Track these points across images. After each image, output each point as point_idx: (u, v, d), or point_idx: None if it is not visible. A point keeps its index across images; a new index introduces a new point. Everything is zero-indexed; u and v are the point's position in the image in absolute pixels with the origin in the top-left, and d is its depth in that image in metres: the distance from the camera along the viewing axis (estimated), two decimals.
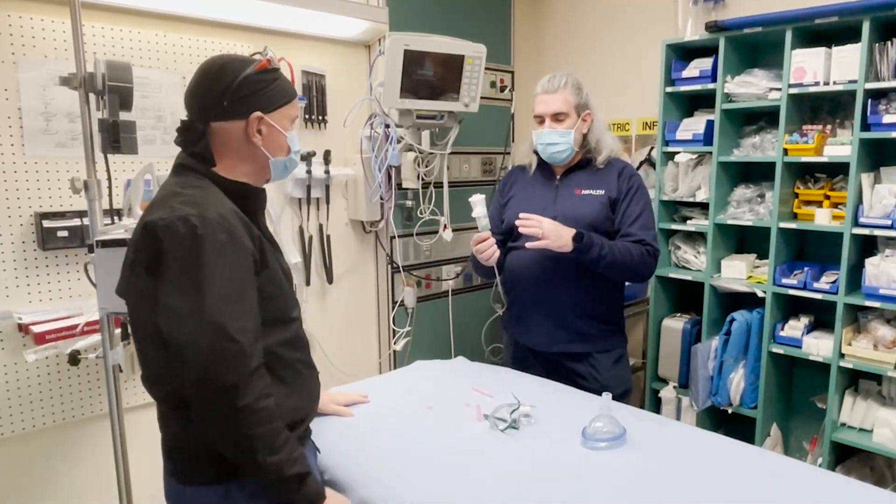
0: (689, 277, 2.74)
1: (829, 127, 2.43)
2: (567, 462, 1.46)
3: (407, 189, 2.76)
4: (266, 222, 1.37)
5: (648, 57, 2.92)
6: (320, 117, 2.61)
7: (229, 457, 1.14)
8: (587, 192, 2.05)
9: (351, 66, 2.72)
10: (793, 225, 2.43)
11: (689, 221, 2.80)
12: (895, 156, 2.33)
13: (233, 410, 1.08)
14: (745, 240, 2.80)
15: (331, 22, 2.45)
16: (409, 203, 2.79)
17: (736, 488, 1.34)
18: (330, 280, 2.72)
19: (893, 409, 2.29)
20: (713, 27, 2.52)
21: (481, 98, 2.69)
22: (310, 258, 2.64)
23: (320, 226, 2.68)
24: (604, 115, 2.20)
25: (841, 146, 2.28)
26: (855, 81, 2.21)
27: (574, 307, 2.04)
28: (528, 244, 1.91)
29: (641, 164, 2.99)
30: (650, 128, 3.07)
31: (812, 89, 2.32)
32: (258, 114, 1.23)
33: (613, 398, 1.61)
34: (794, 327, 2.49)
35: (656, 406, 2.86)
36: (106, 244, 1.57)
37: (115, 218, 1.86)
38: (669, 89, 2.72)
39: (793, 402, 2.74)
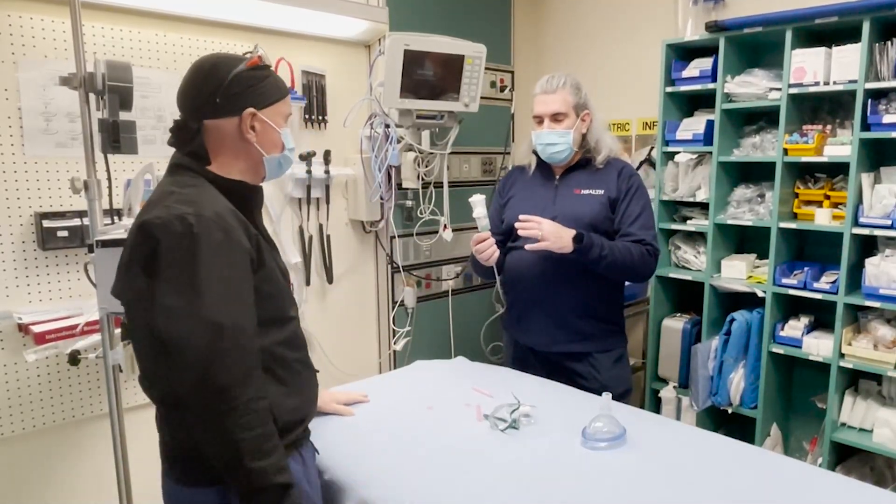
0: (689, 277, 2.74)
1: (829, 127, 2.43)
2: (567, 462, 1.46)
3: (407, 189, 2.76)
4: (263, 221, 1.37)
5: (648, 57, 2.92)
6: (320, 117, 2.61)
7: (214, 459, 1.11)
8: (587, 191, 2.06)
9: (351, 66, 2.72)
10: (793, 225, 2.43)
11: (689, 221, 2.80)
12: (895, 156, 2.33)
13: (225, 411, 1.07)
14: (745, 240, 2.80)
15: (331, 22, 2.45)
16: (409, 203, 2.79)
17: (736, 488, 1.34)
18: (330, 280, 2.72)
19: (893, 409, 2.29)
20: (713, 27, 2.52)
21: (481, 98, 2.69)
22: (310, 258, 2.64)
23: (320, 226, 2.68)
24: (604, 115, 2.20)
25: (841, 146, 2.28)
26: (855, 81, 2.21)
27: (574, 307, 2.04)
28: (528, 246, 1.91)
29: (641, 164, 2.99)
30: (650, 128, 3.07)
31: (812, 89, 2.32)
32: (251, 110, 1.23)
33: (613, 398, 1.61)
34: (794, 327, 2.49)
35: (656, 406, 2.86)
36: (106, 244, 1.57)
37: (115, 218, 1.86)
38: (669, 89, 2.72)
39: (793, 402, 2.74)
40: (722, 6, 2.77)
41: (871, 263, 2.24)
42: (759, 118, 2.63)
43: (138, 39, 2.12)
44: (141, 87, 1.71)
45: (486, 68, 2.73)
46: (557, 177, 2.12)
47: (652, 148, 2.95)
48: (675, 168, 2.77)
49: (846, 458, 2.44)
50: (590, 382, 2.05)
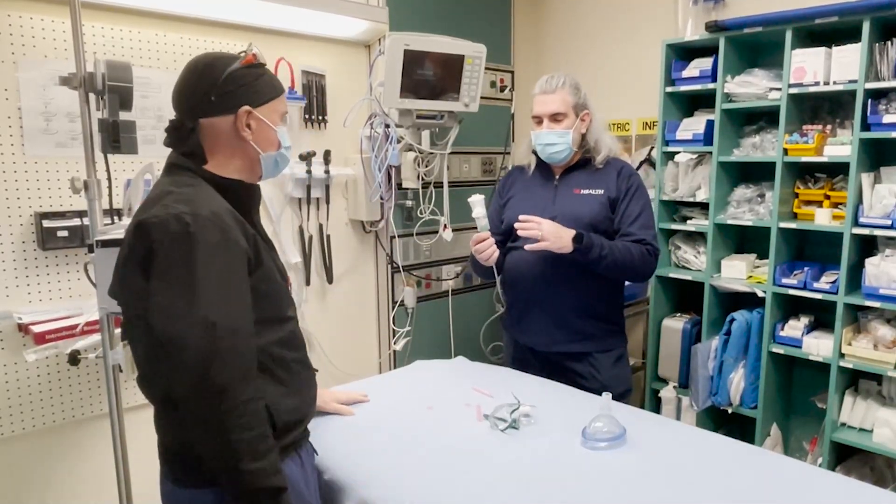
0: (689, 277, 2.74)
1: (829, 127, 2.43)
2: (567, 462, 1.46)
3: (407, 189, 2.76)
4: (262, 221, 1.36)
5: (648, 57, 2.92)
6: (320, 117, 2.61)
7: (209, 459, 1.10)
8: (586, 191, 2.06)
9: (351, 66, 2.72)
10: (793, 225, 2.43)
11: (689, 221, 2.80)
12: (895, 156, 2.33)
13: (222, 412, 1.06)
14: (745, 240, 2.80)
15: (331, 22, 2.45)
16: (409, 203, 2.79)
17: (736, 488, 1.34)
18: (330, 280, 2.72)
19: (893, 409, 2.29)
20: (713, 27, 2.52)
21: (481, 98, 2.69)
22: (310, 258, 2.64)
23: (320, 226, 2.68)
24: (604, 115, 2.20)
25: (841, 146, 2.28)
26: (855, 81, 2.21)
27: (574, 307, 2.04)
28: (528, 246, 1.91)
29: (641, 163, 2.99)
30: (650, 128, 3.07)
31: (812, 89, 2.32)
32: (246, 108, 1.23)
33: (613, 398, 1.61)
34: (794, 327, 2.49)
35: (656, 406, 2.86)
36: (106, 244, 1.57)
37: (115, 218, 1.86)
38: (669, 89, 2.72)
39: (793, 402, 2.74)
40: (722, 6, 2.77)
41: (871, 263, 2.24)
42: (759, 118, 2.63)
43: (138, 39, 2.12)
44: (141, 87, 1.71)
45: (486, 68, 2.73)
46: (557, 177, 2.12)
47: (652, 148, 2.95)
48: (675, 168, 2.77)
49: (846, 458, 2.44)
50: (590, 382, 2.05)
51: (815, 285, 2.38)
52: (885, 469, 2.41)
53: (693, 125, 2.69)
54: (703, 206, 2.75)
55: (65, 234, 1.95)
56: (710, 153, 2.61)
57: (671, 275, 2.80)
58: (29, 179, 1.95)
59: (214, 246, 1.11)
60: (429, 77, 2.47)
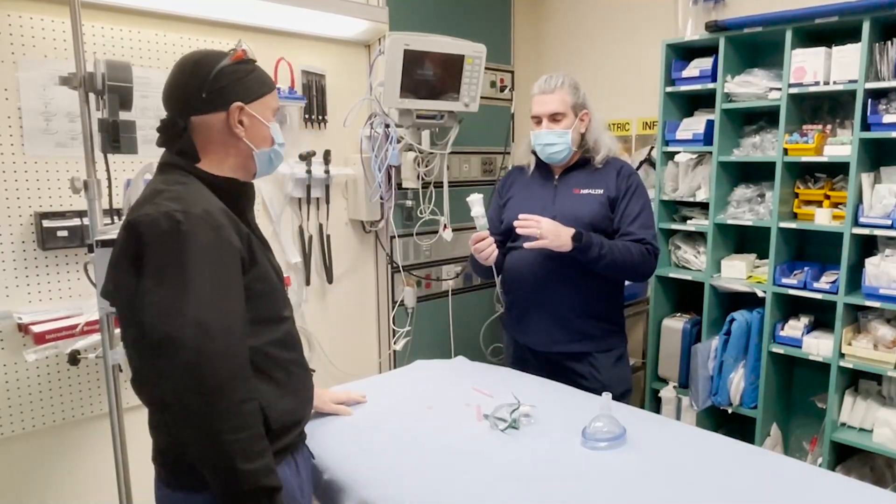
0: (689, 277, 2.74)
1: (829, 127, 2.43)
2: (567, 462, 1.46)
3: (407, 189, 2.76)
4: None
5: (648, 57, 2.92)
6: (320, 117, 2.61)
7: (202, 461, 1.08)
8: (586, 191, 2.05)
9: (351, 66, 2.72)
10: (793, 225, 2.43)
11: (689, 221, 2.80)
12: (895, 156, 2.33)
13: (214, 412, 1.04)
14: (745, 240, 2.80)
15: (331, 22, 2.45)
16: (409, 203, 2.79)
17: (736, 488, 1.34)
18: (330, 280, 2.72)
19: (893, 409, 2.29)
20: (713, 27, 2.52)
21: (481, 98, 2.69)
22: (310, 258, 2.64)
23: (320, 225, 2.68)
24: (604, 115, 2.20)
25: (841, 146, 2.28)
26: (855, 81, 2.21)
27: (574, 307, 2.04)
28: (527, 244, 1.91)
29: (641, 163, 2.99)
30: (650, 128, 3.07)
31: (812, 89, 2.32)
32: (238, 104, 1.22)
33: (613, 398, 1.61)
34: (794, 327, 2.49)
35: (656, 406, 2.86)
36: (106, 244, 1.57)
37: (115, 218, 1.86)
38: (669, 89, 2.72)
39: (793, 402, 2.74)
40: (722, 6, 2.77)
41: (871, 263, 2.24)
42: (759, 118, 2.63)
43: (138, 39, 2.12)
44: (141, 87, 1.71)
45: (486, 68, 2.73)
46: (556, 177, 2.12)
47: (652, 148, 2.95)
48: (675, 168, 2.77)
49: (846, 458, 2.44)
50: (590, 382, 2.05)
51: (815, 285, 2.38)
52: (884, 469, 2.41)
53: (693, 125, 2.69)
54: (703, 206, 2.75)
55: (65, 234, 1.95)
56: (710, 153, 2.61)
57: (671, 275, 2.80)
58: (29, 179, 1.94)
59: (206, 244, 1.09)
60: (429, 77, 2.47)
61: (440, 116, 2.64)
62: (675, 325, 2.80)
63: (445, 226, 2.83)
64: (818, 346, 2.38)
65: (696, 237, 2.82)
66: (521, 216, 1.92)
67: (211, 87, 1.20)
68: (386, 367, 2.91)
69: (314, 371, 1.43)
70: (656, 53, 2.76)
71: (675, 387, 2.79)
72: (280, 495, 1.12)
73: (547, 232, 1.87)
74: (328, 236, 2.69)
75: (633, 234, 1.99)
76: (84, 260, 1.92)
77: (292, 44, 2.50)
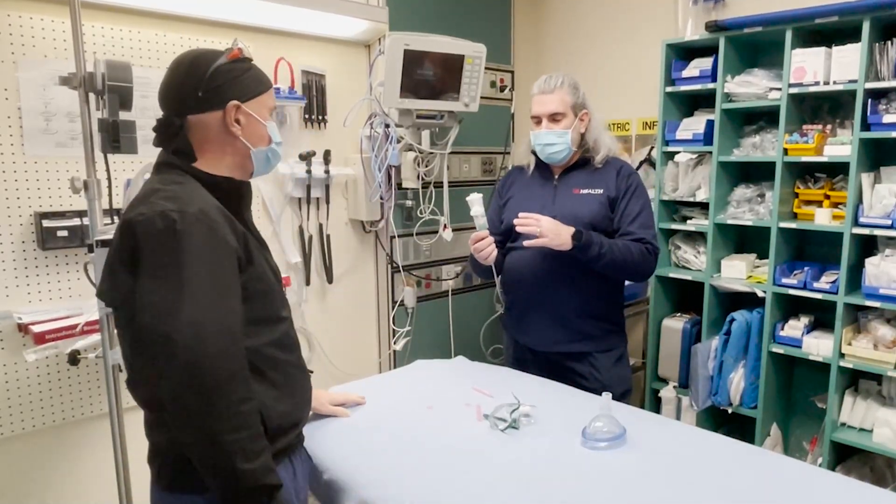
0: (689, 277, 2.73)
1: (829, 127, 2.43)
2: (567, 462, 1.46)
3: (407, 189, 2.76)
4: (252, 218, 1.33)
5: (648, 57, 2.92)
6: (320, 117, 2.61)
7: (200, 461, 1.07)
8: (586, 191, 2.05)
9: (351, 66, 2.72)
10: (793, 225, 2.43)
11: (689, 221, 2.80)
12: (895, 156, 2.33)
13: (211, 412, 1.03)
14: (745, 240, 2.80)
15: (331, 22, 2.45)
16: (409, 203, 2.79)
17: (736, 488, 1.34)
18: (330, 280, 2.72)
19: (893, 409, 2.29)
20: (713, 27, 2.52)
21: (481, 98, 2.69)
22: (310, 258, 2.64)
23: (320, 225, 2.68)
24: (604, 115, 2.20)
25: (841, 146, 2.28)
26: (855, 81, 2.21)
27: (574, 307, 2.04)
28: (527, 242, 1.91)
29: (641, 163, 2.99)
30: (650, 128, 3.07)
31: (812, 89, 2.32)
32: (235, 103, 1.21)
33: (613, 398, 1.61)
34: (794, 327, 2.49)
35: (656, 406, 2.86)
36: (106, 244, 1.57)
37: (115, 218, 1.85)
38: (669, 89, 2.72)
39: (793, 402, 2.74)
40: (722, 6, 2.77)
41: (871, 263, 2.24)
42: (759, 118, 2.63)
43: (138, 39, 2.12)
44: (141, 87, 1.71)
45: (486, 68, 2.73)
46: (556, 177, 2.12)
47: (652, 148, 2.95)
48: (675, 168, 2.77)
49: (846, 458, 2.44)
50: (590, 382, 2.05)
51: (815, 285, 2.38)
52: (885, 469, 2.41)
53: (693, 125, 2.69)
54: (703, 206, 2.75)
55: (65, 233, 1.95)
56: (710, 153, 2.61)
57: (671, 275, 2.80)
58: (29, 179, 1.95)
59: (202, 244, 1.08)
60: (429, 77, 2.47)
61: (440, 116, 2.64)
62: (675, 325, 2.80)
63: (445, 226, 2.83)
64: (818, 346, 2.38)
65: (696, 237, 2.82)
66: (521, 214, 1.92)
67: (207, 85, 1.19)
68: (386, 367, 2.91)
69: (312, 372, 1.42)
70: (656, 53, 2.76)
71: (675, 387, 2.79)
72: (281, 493, 1.11)
73: (546, 230, 1.87)
74: (328, 236, 2.69)
75: (633, 234, 1.99)
76: (84, 260, 1.92)
77: (292, 44, 2.50)
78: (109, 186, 1.67)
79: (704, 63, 2.62)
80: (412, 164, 2.69)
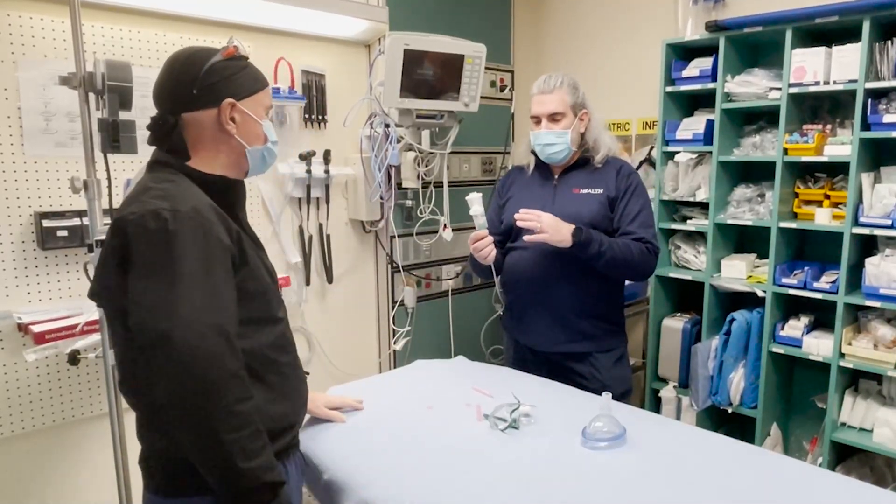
0: (689, 277, 2.73)
1: (829, 126, 2.43)
2: (567, 462, 1.46)
3: (407, 189, 2.76)
4: (247, 217, 1.31)
5: (648, 57, 2.92)
6: (320, 117, 2.61)
7: (201, 462, 1.06)
8: (586, 191, 2.05)
9: (351, 66, 2.72)
10: (793, 225, 2.43)
11: (689, 221, 2.80)
12: (895, 155, 2.33)
13: (210, 412, 1.01)
14: (745, 239, 2.80)
15: (331, 21, 2.45)
16: (409, 203, 2.79)
17: (736, 488, 1.34)
18: (330, 280, 2.71)
19: (893, 409, 2.29)
20: (713, 27, 2.52)
21: (481, 98, 2.69)
22: (310, 258, 2.64)
23: (320, 225, 2.68)
24: (604, 115, 2.20)
25: (841, 146, 2.28)
26: (855, 81, 2.21)
27: (574, 307, 2.04)
28: (527, 237, 1.91)
29: (641, 163, 2.99)
30: (650, 127, 3.07)
31: (812, 89, 2.32)
32: (230, 100, 1.20)
33: (614, 398, 1.61)
34: (794, 327, 2.49)
35: (656, 406, 2.86)
36: None
37: None
38: (669, 89, 2.72)
39: (793, 402, 2.74)
40: (722, 6, 2.77)
41: (871, 263, 2.24)
42: (759, 118, 2.63)
43: (138, 39, 2.12)
44: (141, 86, 1.70)
45: (486, 68, 2.73)
46: (556, 176, 2.12)
47: (652, 148, 2.95)
48: (675, 168, 2.77)
49: (846, 457, 2.44)
50: (590, 382, 2.05)
51: (815, 285, 2.38)
52: (885, 469, 2.41)
53: (693, 125, 2.69)
54: (703, 206, 2.75)
55: (65, 233, 1.95)
56: (710, 153, 2.61)
57: (671, 274, 2.80)
58: (29, 179, 1.94)
59: (195, 242, 1.07)
60: (428, 77, 2.47)
61: (440, 116, 2.64)
62: (675, 324, 2.80)
63: (445, 226, 2.83)
64: (818, 346, 2.38)
65: (696, 237, 2.82)
66: (522, 210, 1.92)
67: (202, 83, 1.18)
68: (386, 367, 2.91)
69: (308, 374, 1.40)
70: (656, 53, 2.76)
71: (675, 387, 2.79)
72: (284, 489, 1.10)
73: (547, 226, 1.87)
74: (328, 236, 2.69)
75: (633, 233, 1.99)
76: (84, 260, 1.92)
77: (292, 44, 2.50)
78: (109, 186, 1.67)
79: (704, 63, 2.62)
80: (412, 163, 2.69)
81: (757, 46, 2.64)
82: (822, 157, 2.33)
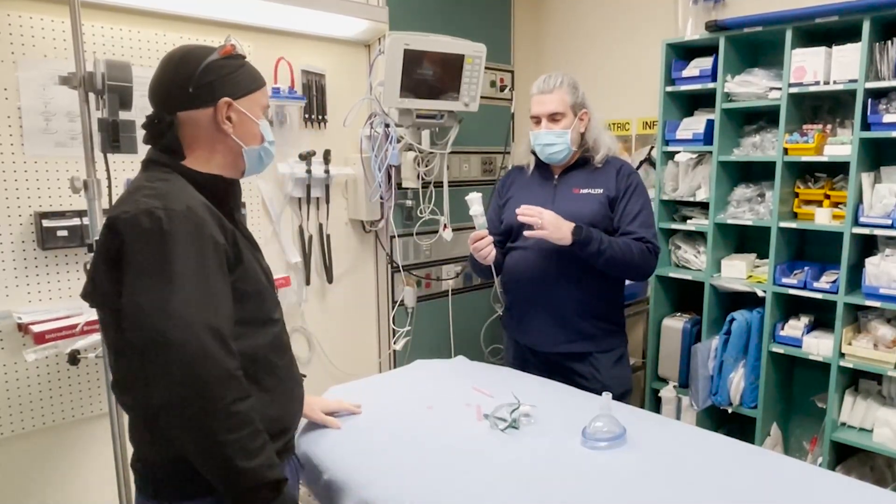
0: (689, 277, 2.73)
1: (829, 126, 2.43)
2: (567, 462, 1.46)
3: (407, 189, 2.76)
4: (242, 217, 1.30)
5: (648, 57, 2.92)
6: (320, 117, 2.61)
7: (202, 467, 1.05)
8: (586, 191, 2.05)
9: (351, 66, 2.72)
10: (793, 224, 2.43)
11: (689, 221, 2.80)
12: (895, 155, 2.33)
13: (208, 413, 1.00)
14: (745, 239, 2.80)
15: (331, 21, 2.45)
16: (409, 203, 2.79)
17: (736, 488, 1.34)
18: (330, 280, 2.71)
19: (893, 409, 2.29)
20: (713, 27, 2.51)
21: (481, 98, 2.69)
22: (310, 258, 2.64)
23: (320, 225, 2.68)
24: (604, 115, 2.20)
25: (841, 145, 2.28)
26: (855, 81, 2.21)
27: (574, 307, 2.04)
28: (527, 233, 1.91)
29: (641, 163, 2.99)
30: (650, 127, 3.07)
31: (812, 89, 2.32)
32: (226, 100, 1.19)
33: (614, 398, 1.61)
34: (795, 327, 2.49)
35: (656, 406, 2.86)
36: None
37: None
38: (669, 89, 2.72)
39: (793, 402, 2.74)
40: (722, 6, 2.77)
41: (871, 263, 2.24)
42: (759, 118, 2.63)
43: (138, 39, 2.12)
44: (141, 86, 1.70)
45: (486, 68, 2.73)
46: (556, 176, 2.12)
47: (652, 147, 2.95)
48: (675, 168, 2.77)
49: (846, 457, 2.44)
50: (590, 382, 2.05)
51: (815, 285, 2.38)
52: (885, 469, 2.41)
53: (693, 125, 2.69)
54: (703, 206, 2.75)
55: (64, 233, 1.95)
56: (710, 153, 2.61)
57: (671, 274, 2.80)
58: (29, 179, 1.94)
59: (189, 241, 1.05)
60: (428, 77, 2.47)
61: (440, 116, 2.64)
62: (675, 324, 2.80)
63: (445, 225, 2.83)
64: (818, 346, 2.38)
65: (696, 237, 2.82)
66: (523, 207, 1.92)
67: (198, 81, 1.17)
68: (386, 367, 2.91)
69: (305, 376, 1.39)
70: (656, 53, 2.76)
71: (675, 387, 2.79)
72: (287, 485, 1.10)
73: (548, 223, 1.87)
74: (328, 236, 2.69)
75: (634, 233, 1.99)
76: (84, 260, 1.92)
77: (292, 43, 2.50)
78: (109, 186, 1.67)
79: (704, 63, 2.62)
80: (412, 163, 2.69)
81: (757, 46, 2.64)
82: (822, 156, 2.33)
